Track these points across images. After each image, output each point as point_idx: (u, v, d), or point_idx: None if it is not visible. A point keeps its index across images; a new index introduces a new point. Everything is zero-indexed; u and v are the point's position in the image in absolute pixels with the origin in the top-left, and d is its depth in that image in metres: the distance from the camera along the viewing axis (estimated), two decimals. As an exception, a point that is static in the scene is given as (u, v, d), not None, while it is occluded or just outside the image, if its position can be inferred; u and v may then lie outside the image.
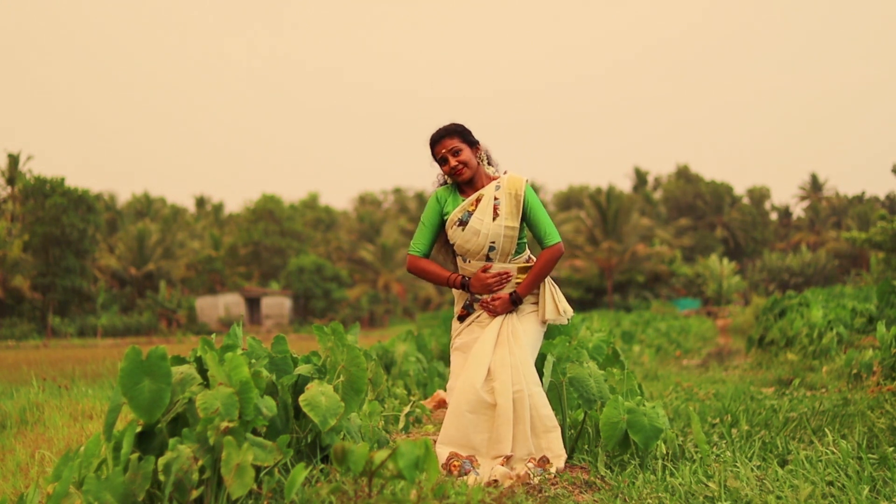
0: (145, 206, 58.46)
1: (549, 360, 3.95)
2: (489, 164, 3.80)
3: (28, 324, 36.01)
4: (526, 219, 3.68)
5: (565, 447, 3.89)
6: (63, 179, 38.61)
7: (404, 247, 49.51)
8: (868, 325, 10.12)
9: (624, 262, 43.73)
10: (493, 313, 3.64)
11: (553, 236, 3.67)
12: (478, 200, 3.66)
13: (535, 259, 3.77)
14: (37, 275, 37.72)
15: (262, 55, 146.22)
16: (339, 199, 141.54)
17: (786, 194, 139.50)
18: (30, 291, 37.23)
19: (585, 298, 43.91)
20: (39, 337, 34.51)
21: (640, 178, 68.85)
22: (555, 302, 3.70)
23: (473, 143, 3.71)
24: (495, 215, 3.62)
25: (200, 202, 64.39)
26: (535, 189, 63.80)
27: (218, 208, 62.25)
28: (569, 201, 65.06)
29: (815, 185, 68.78)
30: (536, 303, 3.75)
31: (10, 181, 39.70)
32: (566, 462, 3.71)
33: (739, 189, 73.46)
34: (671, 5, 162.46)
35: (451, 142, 3.65)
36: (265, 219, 51.28)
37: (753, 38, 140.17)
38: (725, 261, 52.44)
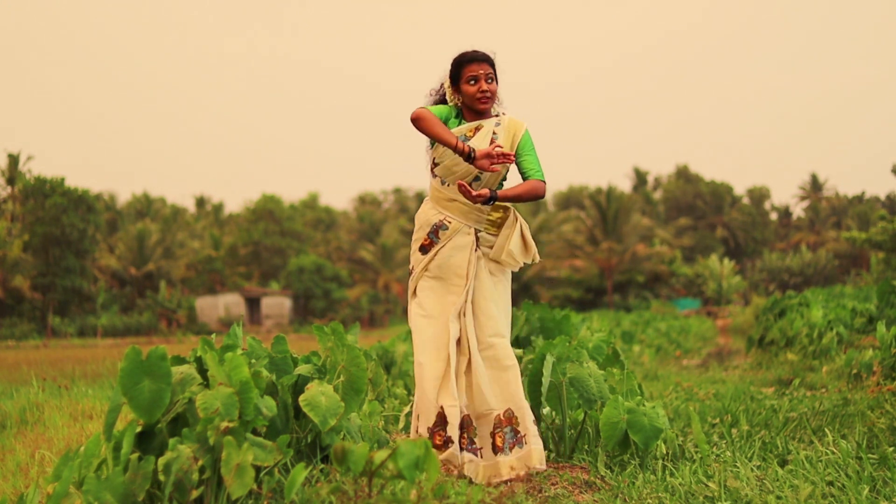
0: (145, 206, 58.45)
1: (549, 360, 3.95)
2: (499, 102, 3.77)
3: (28, 324, 36.01)
4: (517, 154, 3.62)
5: (566, 447, 3.90)
6: (63, 179, 38.61)
7: (405, 247, 49.46)
8: (868, 325, 10.12)
9: (624, 262, 43.73)
10: (469, 196, 3.42)
11: (540, 173, 3.61)
12: (477, 129, 3.60)
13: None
14: (37, 275, 37.72)
15: (262, 55, 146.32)
16: (339, 199, 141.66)
17: (786, 194, 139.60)
18: (30, 291, 37.23)
19: (585, 298, 43.91)
20: (39, 337, 34.51)
21: (640, 178, 68.86)
22: (505, 241, 3.58)
23: (497, 80, 3.67)
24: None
25: (200, 202, 64.39)
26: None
27: (218, 208, 62.25)
28: (569, 201, 65.03)
29: (815, 185, 68.79)
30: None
31: (10, 181, 39.69)
32: (566, 462, 3.72)
33: (739, 189, 73.49)
34: (671, 5, 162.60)
35: (488, 67, 3.60)
36: (265, 219, 51.28)
37: (753, 38, 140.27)
38: (725, 261, 52.45)
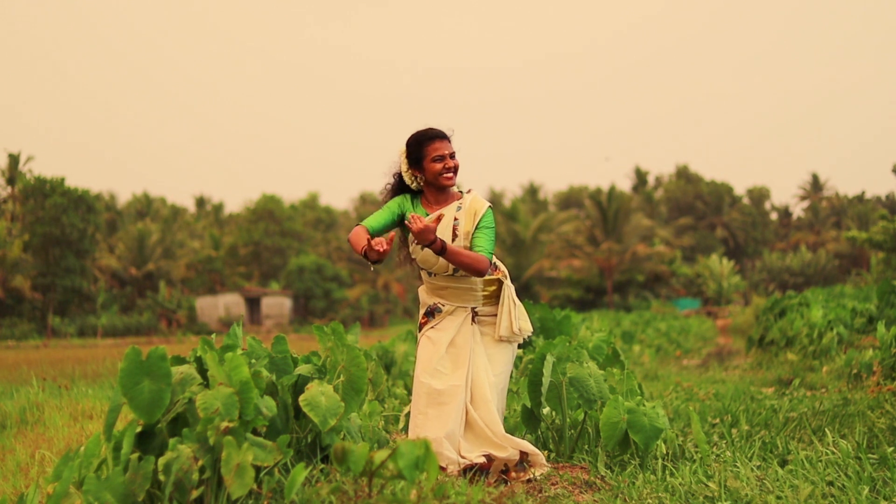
0: (145, 206, 58.45)
1: (549, 360, 3.95)
2: None
3: (28, 324, 36.01)
4: (474, 231, 3.57)
5: (566, 447, 3.91)
6: (63, 179, 38.60)
7: (404, 246, 49.43)
8: (868, 325, 10.12)
9: (624, 262, 43.70)
10: (415, 233, 3.33)
11: (488, 252, 3.52)
12: (438, 219, 3.56)
13: (503, 271, 3.71)
14: (37, 275, 37.72)
15: (261, 56, 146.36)
16: (339, 199, 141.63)
17: (786, 194, 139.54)
18: (30, 291, 37.23)
19: (585, 298, 43.88)
20: (39, 337, 34.51)
21: (640, 178, 68.85)
22: (511, 318, 3.61)
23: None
24: (454, 236, 3.56)
25: (200, 202, 64.39)
26: (534, 189, 62.66)
27: (218, 208, 62.25)
28: (569, 201, 65.04)
29: (815, 185, 68.78)
30: (495, 315, 3.66)
31: (10, 181, 39.69)
32: (566, 462, 3.72)
33: (739, 189, 73.43)
34: (671, 4, 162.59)
35: (450, 144, 3.62)
36: (265, 219, 51.26)
37: (754, 38, 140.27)
38: (725, 261, 52.44)
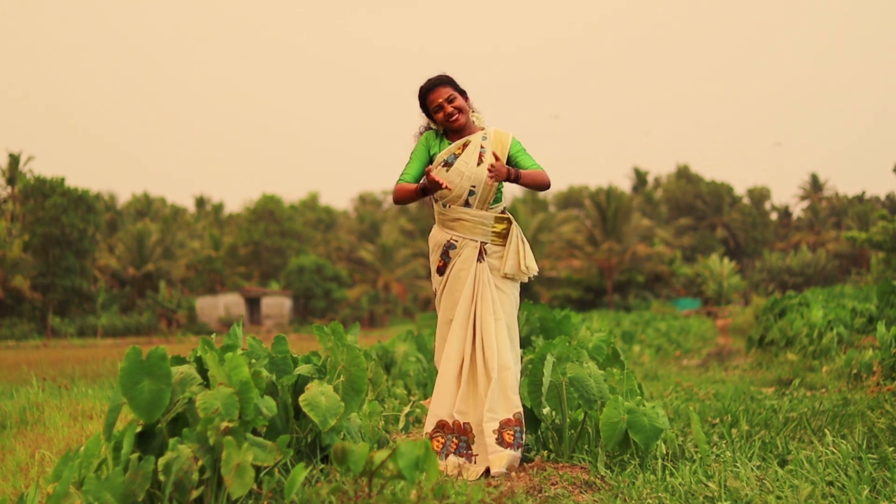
0: (145, 206, 58.44)
1: (549, 360, 3.95)
2: (474, 112, 3.97)
3: (28, 324, 36.01)
4: (513, 160, 3.84)
5: (566, 447, 3.91)
6: (63, 179, 38.62)
7: (405, 247, 49.46)
8: (868, 325, 10.11)
9: (624, 262, 43.71)
10: (494, 176, 3.62)
11: (538, 166, 3.84)
12: (465, 145, 3.82)
13: (509, 216, 3.91)
14: (37, 275, 37.72)
15: (260, 55, 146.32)
16: (339, 199, 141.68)
17: (786, 194, 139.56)
18: (30, 291, 37.23)
19: (585, 298, 43.89)
20: (39, 337, 34.51)
21: (640, 178, 68.85)
22: (518, 256, 3.80)
23: (463, 92, 3.87)
24: (480, 161, 3.78)
25: (200, 202, 64.38)
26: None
27: (218, 208, 62.23)
28: (569, 201, 65.04)
29: (815, 185, 68.78)
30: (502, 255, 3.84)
31: (10, 181, 39.71)
32: (566, 462, 3.73)
33: (739, 189, 73.46)
34: (673, 7, 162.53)
35: (445, 90, 3.80)
36: (265, 219, 51.26)
37: (754, 38, 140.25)
38: (725, 261, 52.44)
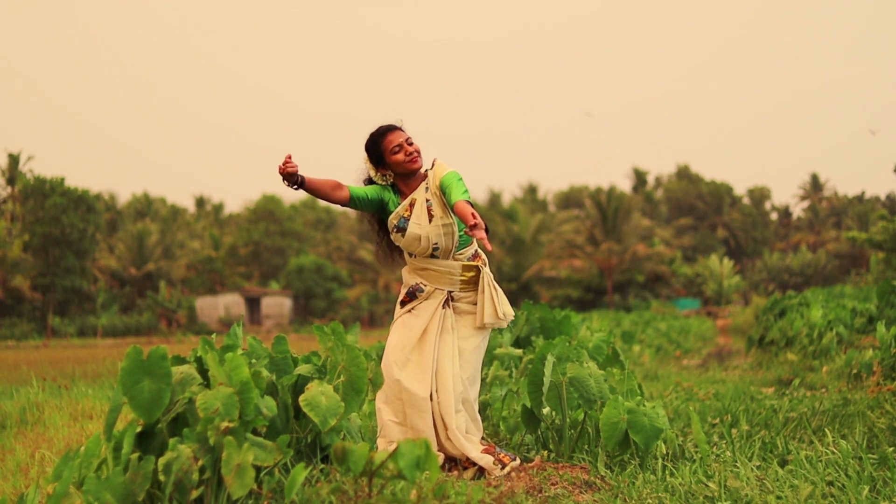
0: (145, 206, 58.43)
1: (549, 360, 3.95)
2: None
3: (28, 324, 36.01)
4: (444, 190, 3.62)
5: (566, 447, 3.91)
6: (63, 179, 38.62)
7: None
8: (868, 325, 10.12)
9: (624, 262, 43.70)
10: (480, 236, 3.30)
11: (462, 193, 3.49)
12: (411, 205, 3.69)
13: (483, 258, 3.78)
14: (37, 275, 37.72)
15: (258, 56, 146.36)
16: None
17: (786, 194, 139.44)
18: (30, 291, 37.23)
19: (585, 298, 43.88)
20: (39, 337, 34.51)
21: (640, 178, 68.84)
22: (494, 304, 3.67)
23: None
24: (430, 216, 3.64)
25: (200, 202, 64.37)
26: (533, 188, 62.27)
27: (218, 208, 62.24)
28: (569, 201, 65.02)
29: (815, 185, 68.78)
30: (475, 303, 3.71)
31: (10, 181, 39.71)
32: (566, 462, 3.73)
33: (739, 189, 73.47)
34: (672, 5, 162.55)
35: (402, 133, 3.72)
36: (265, 219, 51.27)
37: (754, 39, 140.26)
38: (725, 261, 52.43)
